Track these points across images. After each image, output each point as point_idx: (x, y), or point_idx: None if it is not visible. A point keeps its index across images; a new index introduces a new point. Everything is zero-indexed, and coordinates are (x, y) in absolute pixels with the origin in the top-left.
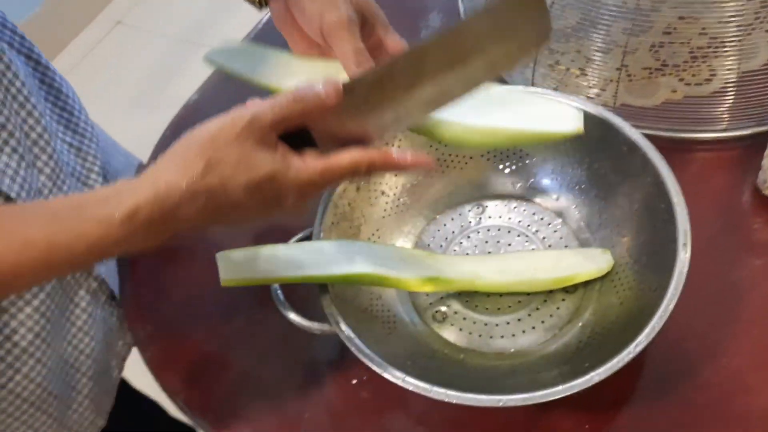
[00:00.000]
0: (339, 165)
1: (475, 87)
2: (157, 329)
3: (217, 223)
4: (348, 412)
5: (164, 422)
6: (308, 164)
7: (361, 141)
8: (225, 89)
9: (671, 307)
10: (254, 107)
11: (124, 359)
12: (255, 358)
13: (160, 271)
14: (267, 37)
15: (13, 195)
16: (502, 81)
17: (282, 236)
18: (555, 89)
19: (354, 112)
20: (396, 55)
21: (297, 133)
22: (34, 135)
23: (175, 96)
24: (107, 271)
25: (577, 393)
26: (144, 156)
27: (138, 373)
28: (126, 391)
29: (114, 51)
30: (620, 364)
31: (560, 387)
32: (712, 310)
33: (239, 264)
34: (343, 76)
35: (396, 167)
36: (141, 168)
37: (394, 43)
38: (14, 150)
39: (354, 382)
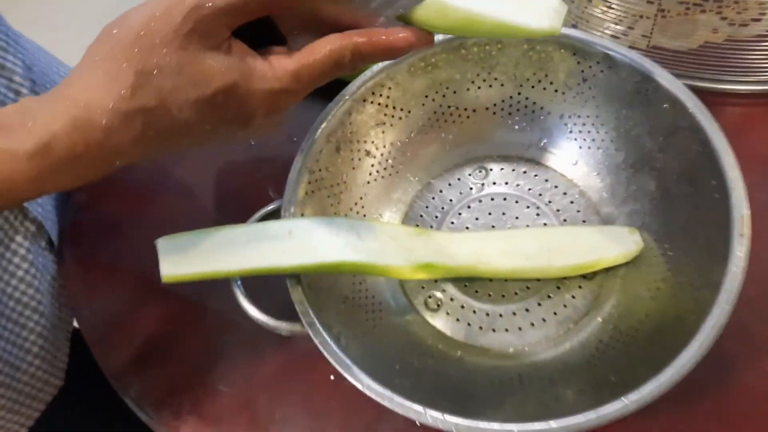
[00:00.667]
0: (315, 60)
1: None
2: (103, 310)
3: (165, 150)
4: (326, 412)
5: None
6: (276, 66)
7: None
8: None
9: (725, 315)
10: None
11: (72, 312)
12: (215, 347)
13: (104, 241)
14: None
15: None
16: None
17: (243, 211)
18: (573, 26)
19: None
20: None
21: (257, 25)
22: None
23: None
24: (44, 213)
25: None
26: None
27: None
28: (81, 342)
29: None
30: (662, 389)
31: (592, 416)
32: (758, 305)
33: (185, 254)
34: None
35: (388, 51)
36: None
37: None
38: None
39: (332, 378)
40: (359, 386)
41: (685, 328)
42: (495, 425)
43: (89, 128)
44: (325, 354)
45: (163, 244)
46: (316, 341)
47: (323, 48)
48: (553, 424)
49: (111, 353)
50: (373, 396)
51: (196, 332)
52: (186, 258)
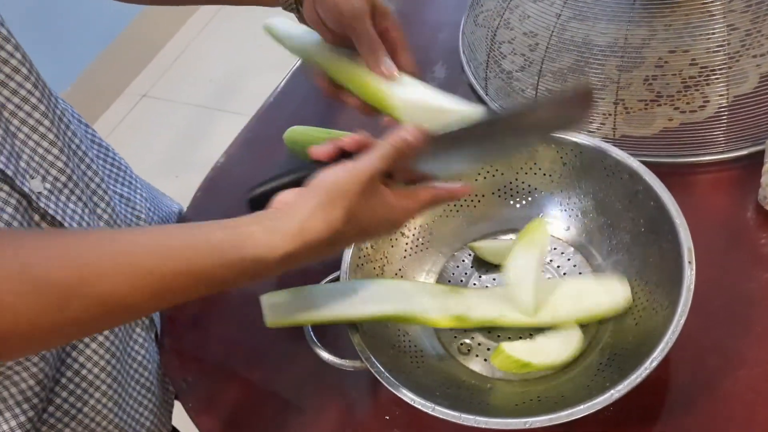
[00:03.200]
0: (419, 206)
1: (526, 148)
2: (196, 379)
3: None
4: None
5: None
6: (404, 205)
7: (425, 178)
8: (249, 151)
9: (682, 322)
10: (369, 162)
11: (174, 394)
12: (293, 397)
13: (196, 321)
14: (285, 99)
15: None
16: None
17: (312, 277)
18: None
19: (433, 157)
20: (475, 120)
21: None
22: (93, 185)
23: (201, 160)
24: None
25: (605, 413)
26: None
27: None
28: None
29: (141, 123)
30: (637, 380)
31: (582, 406)
32: (728, 324)
33: (281, 306)
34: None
35: (453, 198)
36: (182, 215)
37: (396, 33)
38: (79, 198)
39: (387, 418)
40: (407, 399)
41: (657, 339)
42: (510, 420)
43: (311, 246)
44: (380, 379)
45: (265, 299)
46: (373, 371)
47: (424, 195)
48: (560, 415)
49: (203, 417)
50: (418, 406)
51: (275, 394)
52: (282, 309)
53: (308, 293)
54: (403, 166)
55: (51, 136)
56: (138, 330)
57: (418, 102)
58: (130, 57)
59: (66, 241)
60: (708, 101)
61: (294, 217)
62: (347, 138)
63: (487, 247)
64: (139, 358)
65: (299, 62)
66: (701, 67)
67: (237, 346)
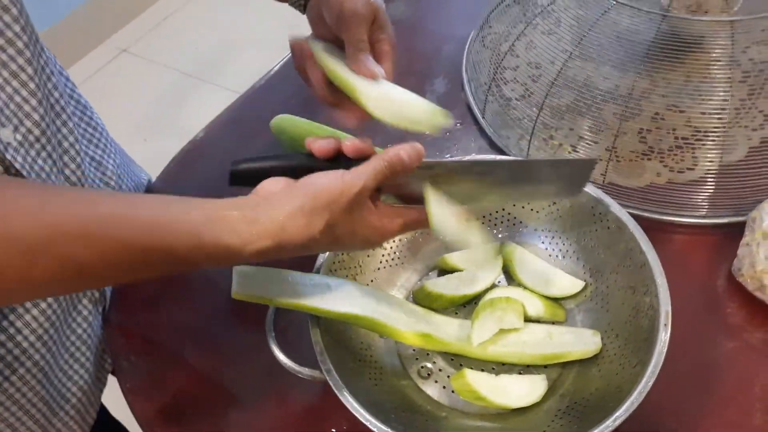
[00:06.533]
0: (399, 228)
1: (520, 202)
2: (139, 359)
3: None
4: None
5: None
6: (384, 225)
7: (413, 199)
8: (231, 131)
9: (650, 384)
10: (361, 178)
11: (108, 373)
12: (239, 395)
13: (149, 300)
14: (278, 84)
15: None
16: (502, 152)
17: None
18: None
19: (421, 180)
20: (476, 159)
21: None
22: (66, 144)
23: (174, 129)
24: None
25: None
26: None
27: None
28: (104, 412)
29: (116, 78)
30: None
31: None
32: (689, 388)
33: (252, 280)
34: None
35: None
36: (150, 184)
37: (387, 48)
38: (49, 155)
39: (333, 431)
40: (361, 418)
41: (622, 396)
42: None
43: (285, 248)
44: (335, 390)
45: (237, 270)
46: (331, 383)
47: (402, 222)
48: None
49: (141, 399)
50: (368, 424)
51: (221, 388)
52: (252, 283)
53: (283, 276)
54: (395, 182)
55: (32, 85)
56: (85, 302)
57: (386, 95)
58: (117, 7)
59: (43, 196)
60: (697, 164)
61: (275, 215)
62: (348, 141)
63: (455, 256)
64: (80, 331)
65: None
66: (695, 129)
67: (189, 332)
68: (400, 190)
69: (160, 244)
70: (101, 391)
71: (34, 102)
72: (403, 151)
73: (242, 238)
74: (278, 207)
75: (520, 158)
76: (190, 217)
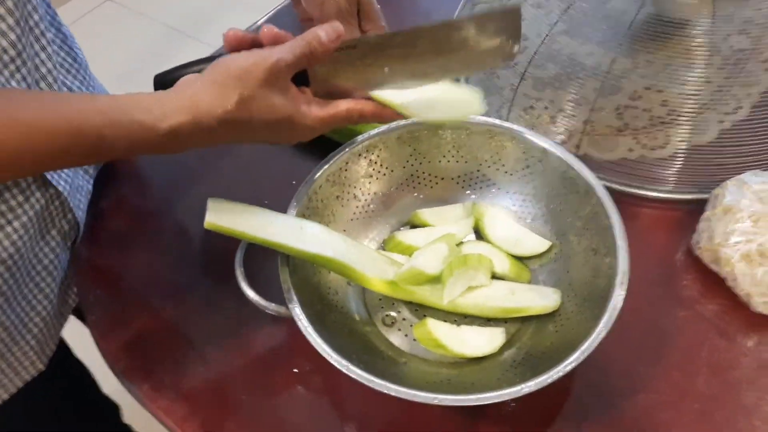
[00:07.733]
0: (337, 113)
1: (449, 76)
2: (106, 296)
3: (235, 142)
4: (285, 401)
5: (93, 393)
6: (313, 111)
7: (346, 94)
8: None
9: (602, 335)
10: (276, 52)
11: (71, 308)
12: (204, 338)
13: (120, 238)
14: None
15: None
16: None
17: None
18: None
19: (350, 65)
20: (398, 30)
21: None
22: (43, 70)
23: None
24: (82, 216)
25: (507, 407)
26: None
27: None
28: (63, 347)
29: (100, 26)
30: (549, 380)
31: (489, 394)
32: (639, 351)
33: (226, 211)
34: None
35: (380, 118)
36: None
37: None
38: (23, 78)
39: (295, 371)
40: (322, 352)
41: (575, 350)
42: (420, 393)
43: (203, 124)
44: (299, 325)
45: (212, 200)
46: (295, 318)
47: (343, 106)
48: (469, 398)
49: (106, 333)
50: (334, 362)
51: (186, 331)
52: (225, 215)
53: (257, 211)
54: (323, 77)
55: (9, 3)
56: (53, 233)
57: (421, 95)
58: None
59: None
60: (669, 143)
61: (188, 90)
62: (266, 28)
63: (427, 212)
64: (46, 261)
65: (285, 3)
66: (670, 109)
67: (159, 276)
68: (333, 89)
69: (78, 127)
70: (62, 325)
71: (11, 20)
72: (321, 29)
73: (154, 114)
74: (191, 84)
75: (441, 21)
76: (100, 100)
